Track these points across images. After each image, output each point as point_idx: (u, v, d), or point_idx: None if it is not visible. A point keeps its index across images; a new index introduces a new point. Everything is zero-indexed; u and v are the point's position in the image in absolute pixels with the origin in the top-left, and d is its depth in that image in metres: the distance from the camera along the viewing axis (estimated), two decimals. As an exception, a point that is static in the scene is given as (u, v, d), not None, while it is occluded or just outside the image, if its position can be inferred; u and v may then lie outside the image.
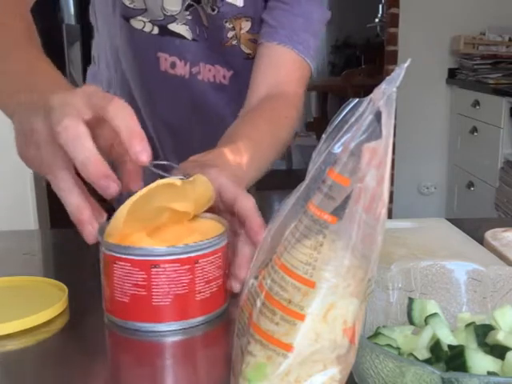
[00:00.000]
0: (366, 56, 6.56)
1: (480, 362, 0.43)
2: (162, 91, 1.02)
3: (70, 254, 0.87)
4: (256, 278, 0.43)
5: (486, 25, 3.34)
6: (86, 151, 0.53)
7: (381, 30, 6.00)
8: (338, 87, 5.84)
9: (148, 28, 0.97)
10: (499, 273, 0.54)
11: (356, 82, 5.24)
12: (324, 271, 0.39)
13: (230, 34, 0.98)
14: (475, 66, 3.24)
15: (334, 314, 0.39)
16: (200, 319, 0.58)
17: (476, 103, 3.17)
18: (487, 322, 0.50)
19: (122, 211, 0.55)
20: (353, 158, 0.39)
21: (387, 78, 0.39)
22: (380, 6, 5.99)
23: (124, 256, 0.56)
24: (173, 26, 0.97)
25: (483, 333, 0.48)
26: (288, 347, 0.39)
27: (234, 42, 0.99)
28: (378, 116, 0.39)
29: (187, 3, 0.95)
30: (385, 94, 0.39)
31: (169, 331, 0.57)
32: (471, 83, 3.24)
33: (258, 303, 0.41)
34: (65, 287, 0.64)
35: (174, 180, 0.56)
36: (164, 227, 0.61)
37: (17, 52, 0.71)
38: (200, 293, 0.57)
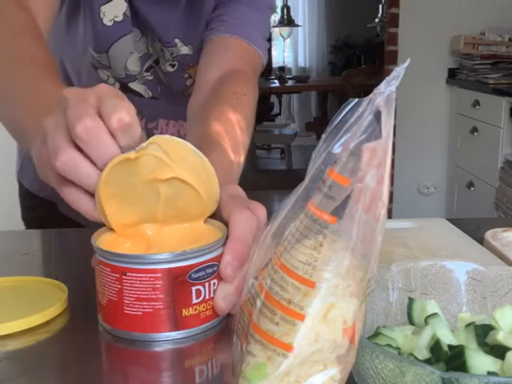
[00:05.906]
0: (365, 56, 6.57)
1: (480, 362, 0.43)
2: None
3: (70, 254, 0.87)
4: (256, 278, 0.43)
5: (486, 25, 3.34)
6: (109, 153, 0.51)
7: (381, 30, 6.00)
8: (338, 87, 5.85)
9: (111, 82, 1.01)
10: (499, 273, 0.54)
11: (356, 82, 5.24)
12: (324, 271, 0.39)
13: (189, 82, 1.03)
14: (475, 66, 3.24)
15: (334, 314, 0.39)
16: (214, 322, 0.57)
17: (476, 103, 3.16)
18: (487, 322, 0.50)
19: (98, 192, 0.52)
20: (353, 158, 0.39)
21: (387, 78, 0.40)
22: (380, 6, 5.99)
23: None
24: (133, 85, 1.02)
25: (483, 333, 0.48)
26: (288, 347, 0.39)
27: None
28: (377, 116, 0.39)
29: (148, 65, 1.00)
30: (384, 94, 0.39)
31: (187, 337, 0.56)
32: (471, 83, 3.24)
33: (258, 303, 0.41)
34: (65, 287, 0.64)
35: (128, 154, 0.52)
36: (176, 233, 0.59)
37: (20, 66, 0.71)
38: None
